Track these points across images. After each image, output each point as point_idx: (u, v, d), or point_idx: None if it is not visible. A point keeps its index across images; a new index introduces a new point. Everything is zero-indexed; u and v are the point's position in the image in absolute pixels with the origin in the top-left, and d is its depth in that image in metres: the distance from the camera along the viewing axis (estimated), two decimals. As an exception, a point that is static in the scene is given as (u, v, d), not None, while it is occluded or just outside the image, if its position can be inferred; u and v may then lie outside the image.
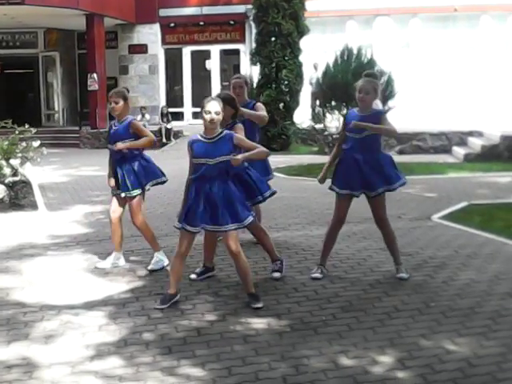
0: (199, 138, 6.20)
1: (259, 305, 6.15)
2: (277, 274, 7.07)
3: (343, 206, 7.05)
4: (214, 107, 6.03)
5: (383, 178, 6.83)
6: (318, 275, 7.01)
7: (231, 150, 6.07)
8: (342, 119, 16.19)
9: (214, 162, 6.02)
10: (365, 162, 6.79)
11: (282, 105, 21.24)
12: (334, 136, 17.68)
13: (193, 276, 7.05)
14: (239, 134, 6.54)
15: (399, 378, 4.78)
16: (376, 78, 7.15)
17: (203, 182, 6.09)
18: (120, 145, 7.21)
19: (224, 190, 6.08)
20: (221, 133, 6.15)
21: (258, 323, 5.83)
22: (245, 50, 25.98)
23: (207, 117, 6.03)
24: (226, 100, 6.55)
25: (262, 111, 8.03)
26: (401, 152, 18.79)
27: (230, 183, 6.14)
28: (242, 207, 6.16)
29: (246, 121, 7.40)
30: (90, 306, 6.38)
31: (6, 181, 11.50)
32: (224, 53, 27.12)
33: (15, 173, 11.78)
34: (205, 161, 6.05)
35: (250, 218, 6.21)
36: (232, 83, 8.13)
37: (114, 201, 7.54)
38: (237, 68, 26.31)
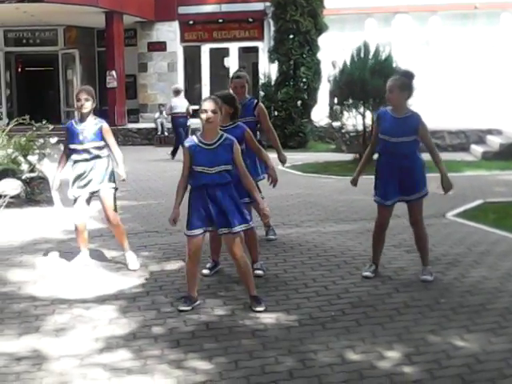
0: (197, 142, 5.97)
1: (261, 308, 6.02)
2: (260, 272, 7.05)
3: (384, 212, 6.86)
4: (210, 106, 5.83)
5: (415, 184, 6.72)
6: (368, 274, 6.92)
7: (232, 158, 5.91)
8: (359, 117, 16.22)
9: (214, 171, 5.88)
10: (400, 168, 6.64)
11: (299, 102, 21.28)
12: (351, 134, 17.65)
13: (205, 271, 7.08)
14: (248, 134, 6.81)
15: (406, 372, 4.78)
16: (408, 77, 6.72)
17: (204, 189, 5.93)
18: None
19: (228, 193, 5.94)
20: (220, 137, 5.97)
21: (267, 318, 5.85)
22: (263, 47, 25.91)
23: (203, 116, 5.82)
24: (224, 98, 6.46)
25: (265, 119, 8.00)
26: (422, 150, 18.71)
27: (232, 188, 6.00)
28: (244, 210, 6.10)
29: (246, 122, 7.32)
30: (101, 299, 6.43)
31: (23, 177, 11.60)
32: (242, 50, 27.07)
33: (32, 169, 11.89)
34: (204, 169, 5.89)
35: (252, 223, 6.24)
36: (233, 82, 7.89)
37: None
38: (255, 66, 26.29)
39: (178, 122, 18.99)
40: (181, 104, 19.03)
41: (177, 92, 19.36)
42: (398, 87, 6.63)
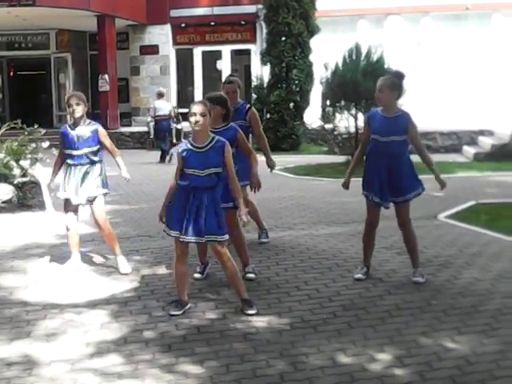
0: (188, 146, 5.98)
1: (252, 311, 6.01)
2: (252, 275, 7.04)
3: (375, 210, 6.90)
4: (198, 109, 5.83)
5: (402, 187, 6.76)
6: (360, 276, 6.93)
7: (222, 161, 5.90)
8: (351, 119, 16.22)
9: (205, 173, 5.86)
10: (388, 169, 6.69)
11: (292, 104, 21.29)
12: (344, 136, 17.67)
13: (197, 275, 7.08)
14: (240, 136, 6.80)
15: (397, 375, 4.78)
16: (398, 77, 6.78)
17: (192, 192, 5.90)
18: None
19: (213, 201, 5.91)
20: (212, 140, 5.96)
21: (259, 321, 5.85)
22: (255, 50, 25.92)
23: (192, 119, 5.83)
24: (216, 100, 6.51)
25: (257, 124, 7.95)
26: (411, 151, 18.71)
27: (217, 193, 5.98)
28: (223, 221, 6.01)
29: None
30: (92, 304, 6.42)
31: (15, 181, 11.57)
32: (235, 53, 27.08)
33: (24, 173, 11.85)
34: (195, 172, 5.88)
35: (227, 236, 6.03)
36: (225, 88, 7.76)
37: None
38: (248, 68, 26.32)
39: (161, 125, 19.39)
40: (164, 106, 19.53)
41: (160, 95, 19.68)
42: (387, 87, 6.69)
